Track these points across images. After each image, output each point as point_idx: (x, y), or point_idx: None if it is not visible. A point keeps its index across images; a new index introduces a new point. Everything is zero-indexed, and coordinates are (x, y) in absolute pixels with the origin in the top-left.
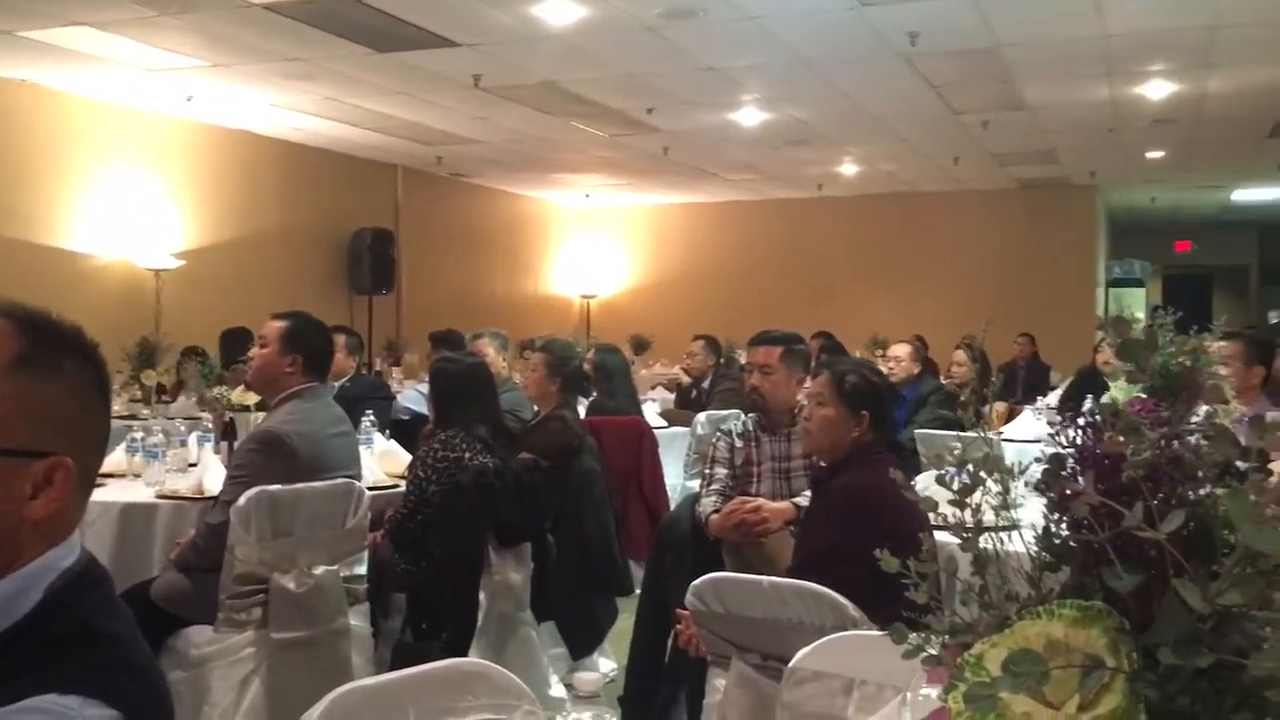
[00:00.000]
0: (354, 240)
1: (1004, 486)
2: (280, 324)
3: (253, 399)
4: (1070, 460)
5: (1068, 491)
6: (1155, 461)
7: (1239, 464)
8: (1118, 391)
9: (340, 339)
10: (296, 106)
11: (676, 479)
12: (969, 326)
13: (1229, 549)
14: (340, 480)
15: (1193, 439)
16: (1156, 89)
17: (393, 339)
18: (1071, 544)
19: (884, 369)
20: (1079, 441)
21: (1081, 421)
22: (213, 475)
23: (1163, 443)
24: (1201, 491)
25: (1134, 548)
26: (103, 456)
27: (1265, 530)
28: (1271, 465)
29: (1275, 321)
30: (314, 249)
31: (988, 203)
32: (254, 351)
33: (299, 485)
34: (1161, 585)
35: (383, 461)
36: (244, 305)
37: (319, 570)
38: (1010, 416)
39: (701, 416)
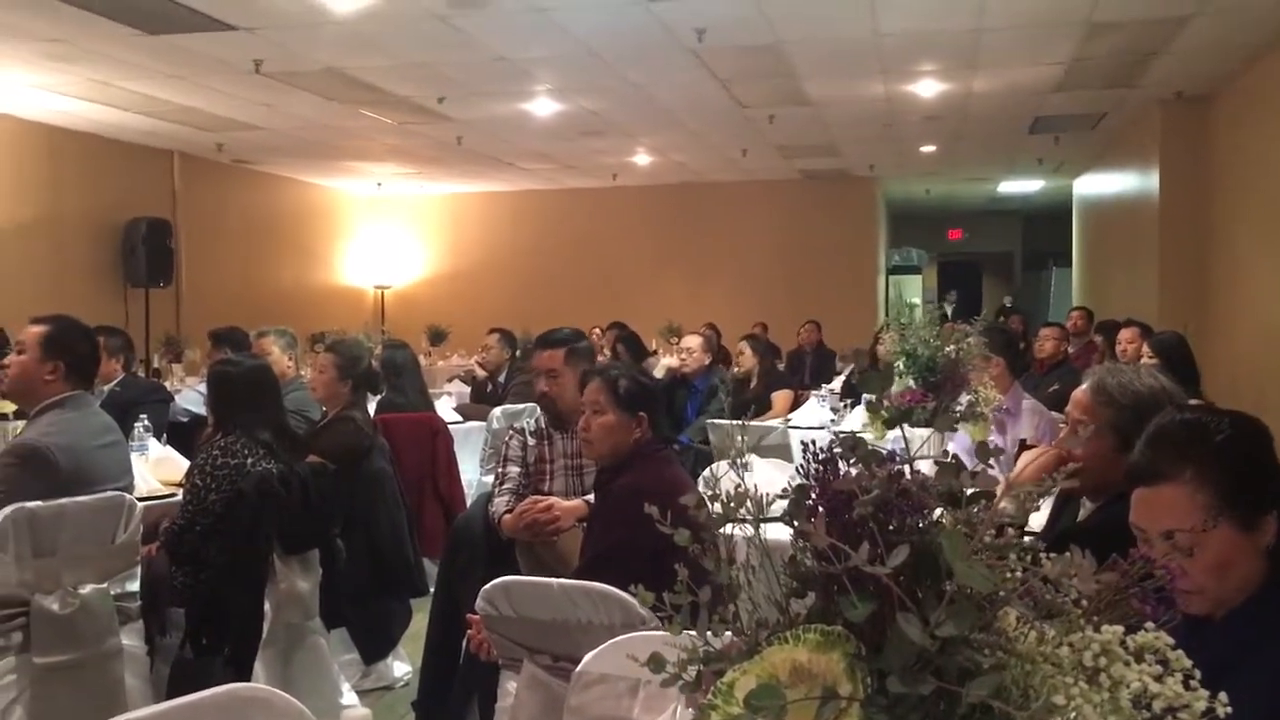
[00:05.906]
0: (128, 230)
1: (754, 517)
2: (39, 329)
3: (10, 407)
4: (812, 492)
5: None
6: (884, 495)
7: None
8: (867, 430)
9: (101, 340)
10: (59, 89)
11: (473, 474)
12: (758, 313)
13: (952, 575)
14: (109, 494)
15: (919, 473)
16: (926, 87)
17: (172, 334)
18: (816, 571)
19: (677, 360)
20: (816, 474)
21: (821, 455)
22: None
23: (892, 476)
24: (932, 518)
25: (868, 577)
26: None
27: (976, 566)
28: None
29: (1009, 305)
30: (84, 240)
31: (774, 193)
32: (11, 358)
33: (62, 501)
34: (893, 612)
35: (158, 469)
36: (5, 301)
37: (86, 589)
38: (797, 403)
39: (497, 411)
